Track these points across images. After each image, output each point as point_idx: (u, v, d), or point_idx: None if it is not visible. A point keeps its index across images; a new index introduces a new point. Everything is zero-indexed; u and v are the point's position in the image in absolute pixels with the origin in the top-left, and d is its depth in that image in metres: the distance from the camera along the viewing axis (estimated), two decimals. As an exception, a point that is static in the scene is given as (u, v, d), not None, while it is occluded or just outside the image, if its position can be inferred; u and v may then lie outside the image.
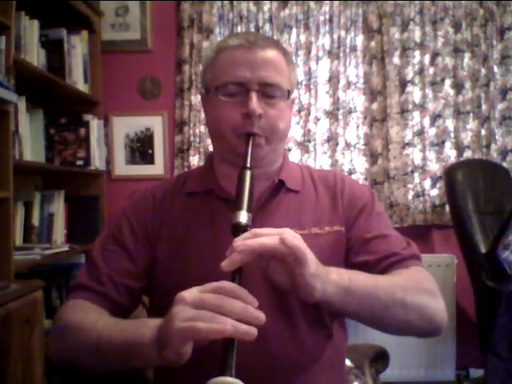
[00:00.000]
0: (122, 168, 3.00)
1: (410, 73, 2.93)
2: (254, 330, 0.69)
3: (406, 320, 0.90)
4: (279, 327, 0.94)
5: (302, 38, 2.94)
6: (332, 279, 0.82)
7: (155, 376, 1.07)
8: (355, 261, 1.00)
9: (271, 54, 1.00)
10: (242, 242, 0.76)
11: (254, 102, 0.95)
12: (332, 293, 0.82)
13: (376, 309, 0.87)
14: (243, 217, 0.81)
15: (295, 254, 0.76)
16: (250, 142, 0.95)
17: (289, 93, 1.01)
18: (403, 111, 2.93)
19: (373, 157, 2.97)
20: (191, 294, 0.73)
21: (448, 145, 2.97)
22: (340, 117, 2.94)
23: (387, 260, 0.98)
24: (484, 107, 2.94)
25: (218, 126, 1.00)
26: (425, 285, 0.95)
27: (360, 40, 2.96)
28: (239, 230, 0.81)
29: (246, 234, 0.78)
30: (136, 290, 1.01)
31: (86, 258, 1.31)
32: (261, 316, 0.70)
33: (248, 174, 0.89)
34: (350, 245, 1.02)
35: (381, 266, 0.98)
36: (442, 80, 2.95)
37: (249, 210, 0.83)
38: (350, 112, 2.96)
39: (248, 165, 0.91)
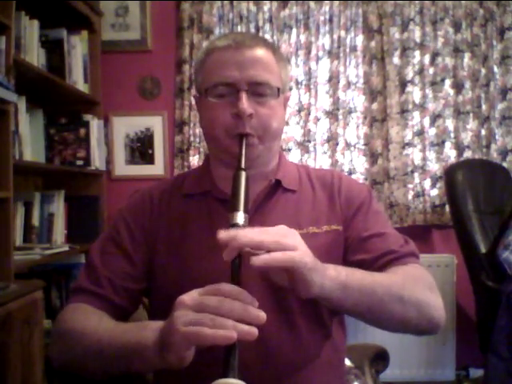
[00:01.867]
0: (122, 168, 3.00)
1: (410, 73, 2.93)
2: (254, 330, 0.69)
3: (404, 316, 0.90)
4: (278, 326, 0.94)
5: (302, 38, 2.94)
6: (329, 274, 0.83)
7: (155, 377, 1.07)
8: (353, 259, 1.00)
9: (259, 52, 0.99)
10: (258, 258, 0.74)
11: (244, 102, 0.95)
12: (330, 288, 0.82)
13: (373, 304, 0.87)
14: (240, 218, 0.81)
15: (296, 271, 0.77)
16: (243, 143, 0.95)
17: (279, 90, 1.01)
18: (403, 111, 2.93)
19: (373, 157, 2.96)
20: (191, 296, 0.72)
21: (448, 145, 2.97)
22: (340, 117, 2.94)
23: (385, 258, 0.99)
24: (484, 107, 2.94)
25: (211, 128, 1.00)
26: (422, 281, 0.95)
27: (360, 40, 2.95)
28: None
29: (248, 231, 0.77)
30: (135, 292, 1.01)
31: (85, 260, 1.31)
32: (261, 315, 0.70)
33: (243, 174, 0.88)
34: (348, 243, 1.02)
35: (378, 263, 0.98)
36: (442, 80, 2.95)
37: (245, 211, 0.82)
38: (349, 112, 2.95)
39: (242, 166, 0.90)
